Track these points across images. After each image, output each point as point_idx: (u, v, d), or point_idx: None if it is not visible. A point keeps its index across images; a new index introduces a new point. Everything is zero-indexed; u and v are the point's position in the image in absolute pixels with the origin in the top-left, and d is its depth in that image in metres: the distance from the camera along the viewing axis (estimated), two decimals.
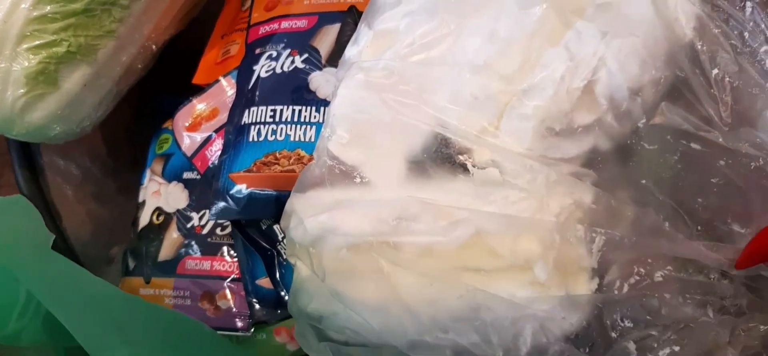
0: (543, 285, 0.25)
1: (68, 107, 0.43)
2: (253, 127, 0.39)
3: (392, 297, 0.26)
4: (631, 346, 0.25)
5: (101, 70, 0.44)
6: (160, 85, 0.54)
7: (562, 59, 0.27)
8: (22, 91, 0.41)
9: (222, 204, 0.39)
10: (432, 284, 0.25)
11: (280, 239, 0.40)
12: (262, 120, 0.39)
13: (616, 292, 0.25)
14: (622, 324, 0.25)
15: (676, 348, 0.24)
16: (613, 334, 0.25)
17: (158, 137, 0.50)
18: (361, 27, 0.33)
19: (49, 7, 0.41)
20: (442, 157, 0.28)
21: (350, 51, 0.32)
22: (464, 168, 0.27)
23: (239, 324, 0.42)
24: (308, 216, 0.28)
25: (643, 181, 0.26)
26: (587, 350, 0.25)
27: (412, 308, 0.26)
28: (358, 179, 0.28)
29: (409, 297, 0.26)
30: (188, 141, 0.45)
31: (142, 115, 0.56)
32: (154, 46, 0.48)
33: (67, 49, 0.42)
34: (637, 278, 0.25)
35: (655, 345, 0.25)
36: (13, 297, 0.32)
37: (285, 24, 0.44)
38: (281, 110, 0.39)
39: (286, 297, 0.40)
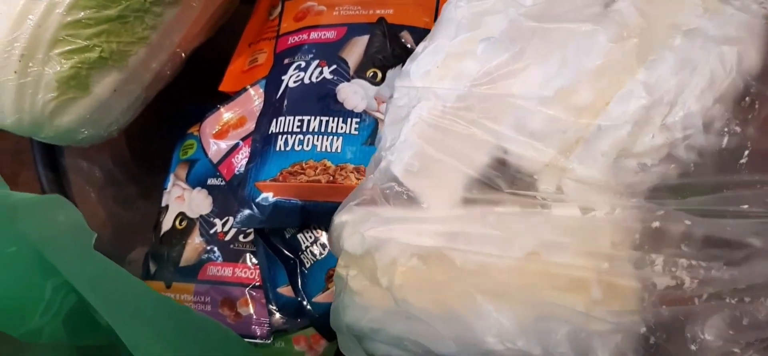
0: (611, 298, 0.25)
1: (98, 112, 0.44)
2: (280, 136, 0.40)
3: (463, 305, 0.26)
4: None
5: (132, 76, 0.44)
6: (184, 91, 0.54)
7: (640, 94, 0.27)
8: (53, 95, 0.42)
9: (247, 212, 0.39)
10: (500, 293, 0.25)
11: (303, 249, 0.40)
12: (290, 130, 0.40)
13: (697, 304, 0.25)
14: (702, 337, 0.24)
15: None
16: (693, 347, 0.24)
17: (183, 143, 0.51)
18: (429, 44, 0.33)
19: (83, 13, 0.41)
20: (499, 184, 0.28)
21: (414, 68, 0.32)
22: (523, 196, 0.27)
23: (259, 331, 0.42)
24: (366, 228, 0.28)
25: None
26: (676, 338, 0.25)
27: (483, 316, 0.25)
28: (417, 204, 0.28)
29: (477, 306, 0.26)
30: (215, 148, 0.45)
31: (165, 120, 0.56)
32: (183, 54, 0.49)
33: (99, 55, 0.42)
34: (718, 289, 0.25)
35: None
36: (38, 295, 0.32)
37: (314, 35, 0.44)
38: (309, 120, 0.40)
39: (307, 306, 0.40)
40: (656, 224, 0.25)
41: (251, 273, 0.43)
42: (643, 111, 0.26)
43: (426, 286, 0.27)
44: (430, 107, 0.30)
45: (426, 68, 0.31)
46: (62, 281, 0.32)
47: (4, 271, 0.31)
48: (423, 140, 0.29)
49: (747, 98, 0.27)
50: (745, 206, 0.25)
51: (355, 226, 0.28)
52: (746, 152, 0.26)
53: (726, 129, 0.26)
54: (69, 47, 0.41)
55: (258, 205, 0.39)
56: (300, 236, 0.40)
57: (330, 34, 0.43)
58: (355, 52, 0.42)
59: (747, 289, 0.25)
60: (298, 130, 0.40)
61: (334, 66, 0.42)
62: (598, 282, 0.25)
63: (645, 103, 0.26)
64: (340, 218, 0.29)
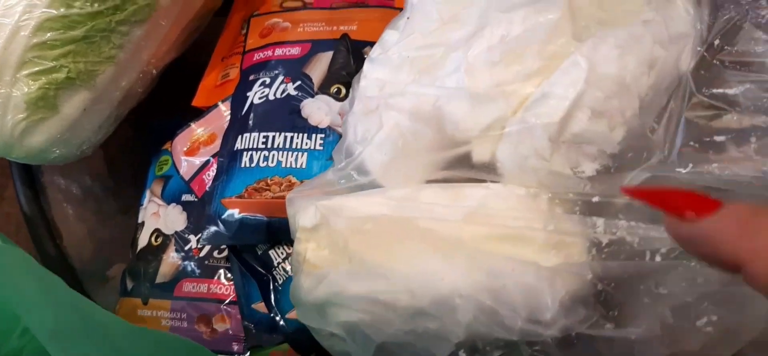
0: (556, 253, 0.25)
1: (68, 132, 0.44)
2: (245, 153, 0.40)
3: (417, 262, 0.26)
4: (667, 313, 0.25)
5: (101, 95, 0.45)
6: (162, 106, 0.55)
7: (579, 72, 0.27)
8: (21, 116, 0.42)
9: (214, 229, 0.39)
10: (452, 250, 0.26)
11: (276, 265, 0.41)
12: (255, 146, 0.40)
13: (648, 260, 0.26)
14: (657, 291, 0.25)
15: (714, 318, 0.25)
16: (646, 300, 0.25)
17: (158, 159, 0.51)
18: (399, 34, 0.34)
19: (48, 35, 0.42)
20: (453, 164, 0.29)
21: (384, 58, 0.33)
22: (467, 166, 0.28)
23: (235, 347, 0.43)
24: (320, 202, 0.29)
25: None
26: (616, 313, 0.25)
27: (436, 271, 0.26)
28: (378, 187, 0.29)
29: (430, 261, 0.26)
30: (186, 165, 0.46)
31: (143, 135, 0.57)
32: (154, 71, 0.49)
33: (66, 75, 0.43)
34: (669, 248, 0.26)
35: (693, 314, 0.25)
36: (14, 320, 0.33)
37: (279, 51, 0.44)
38: (273, 137, 0.40)
39: (281, 322, 0.40)
40: (596, 199, 0.26)
41: (227, 290, 0.43)
42: (582, 86, 0.27)
43: (380, 246, 0.27)
44: (400, 98, 0.31)
45: (400, 57, 0.32)
46: None
47: None
48: (398, 134, 0.30)
49: (681, 87, 0.27)
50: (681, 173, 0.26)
51: (309, 201, 0.29)
52: (678, 130, 0.27)
53: (662, 114, 0.27)
54: (36, 68, 0.42)
55: (224, 222, 0.39)
56: (272, 252, 0.41)
57: (294, 51, 0.44)
58: (319, 68, 0.43)
59: None
60: (263, 146, 0.40)
61: (299, 82, 0.42)
62: (546, 239, 0.26)
63: (585, 78, 0.27)
64: (293, 195, 0.30)
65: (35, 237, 0.52)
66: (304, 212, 0.30)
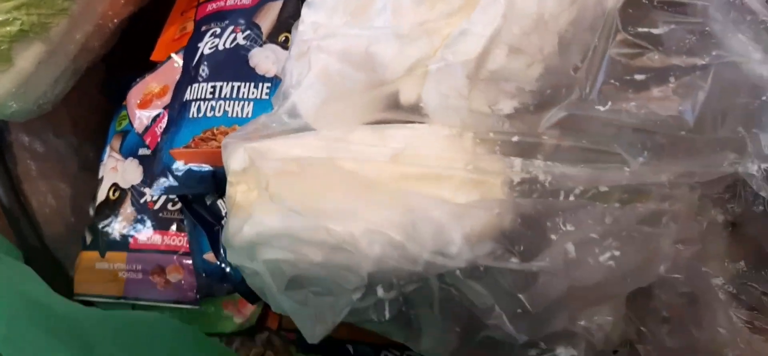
0: (472, 191, 0.26)
1: (23, 85, 0.44)
2: (194, 103, 0.40)
3: (334, 200, 0.27)
4: (570, 247, 0.26)
5: (56, 48, 0.45)
6: (126, 62, 0.55)
7: (497, 8, 0.27)
8: None
9: (163, 180, 0.40)
10: (370, 189, 0.27)
11: (224, 215, 0.41)
12: (203, 96, 0.40)
13: (561, 199, 0.26)
14: (564, 228, 0.26)
15: (617, 253, 0.26)
16: (553, 236, 0.26)
17: (118, 115, 0.51)
18: None
19: None
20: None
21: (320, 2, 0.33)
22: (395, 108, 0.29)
23: (189, 296, 0.43)
24: (249, 144, 0.29)
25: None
26: (521, 248, 0.26)
27: (348, 210, 0.27)
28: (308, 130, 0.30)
29: (345, 202, 0.27)
30: (139, 118, 0.46)
31: (105, 92, 0.57)
32: (110, 24, 0.49)
33: (19, 28, 0.42)
34: (583, 189, 0.26)
35: (596, 250, 0.26)
36: None
37: (231, 1, 0.44)
38: (221, 87, 0.40)
39: (230, 271, 0.41)
40: (516, 139, 0.26)
41: (180, 241, 0.44)
42: (500, 22, 0.26)
43: (302, 186, 0.28)
44: (331, 39, 0.31)
45: (332, 1, 0.32)
46: None
47: None
48: (327, 76, 0.30)
49: (606, 26, 0.27)
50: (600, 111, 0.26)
51: (241, 144, 0.29)
52: (601, 68, 0.27)
53: (586, 52, 0.27)
54: None
55: (172, 172, 0.39)
56: (220, 202, 0.41)
57: (246, 1, 0.43)
58: (268, 17, 0.42)
59: (610, 191, 0.26)
60: (211, 96, 0.40)
61: (248, 31, 0.42)
62: (464, 178, 0.26)
63: (503, 14, 0.26)
64: (228, 139, 0.30)
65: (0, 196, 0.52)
66: (234, 156, 0.30)
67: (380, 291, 0.28)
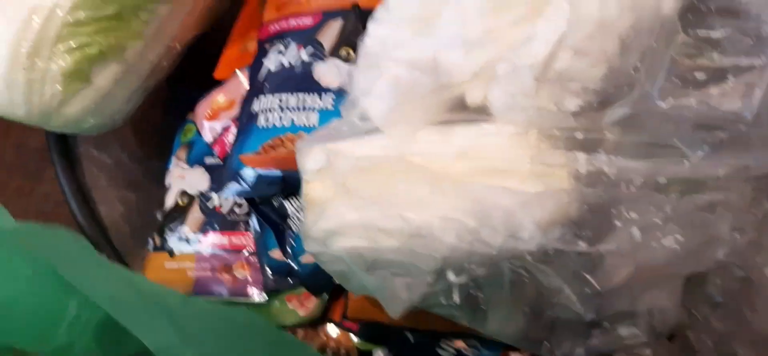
0: (538, 182, 0.28)
1: (101, 102, 0.48)
2: (261, 114, 0.43)
3: (408, 191, 0.29)
4: (636, 231, 0.28)
5: (130, 68, 0.48)
6: (185, 80, 0.58)
7: (562, 14, 0.29)
8: (58, 87, 0.46)
9: (234, 184, 0.43)
10: (438, 181, 0.29)
11: (290, 215, 0.44)
12: (270, 108, 0.43)
13: (624, 190, 0.28)
14: (628, 215, 0.28)
15: (679, 237, 0.28)
16: (618, 222, 0.28)
17: (183, 127, 0.55)
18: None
19: (83, 13, 0.45)
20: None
21: (387, 16, 0.35)
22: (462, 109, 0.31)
23: (255, 292, 0.46)
24: (326, 145, 0.32)
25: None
26: (589, 233, 0.28)
27: (421, 200, 0.29)
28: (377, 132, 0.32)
29: (418, 193, 0.29)
30: (208, 129, 0.49)
31: (168, 108, 0.61)
32: (178, 46, 0.53)
33: (98, 50, 0.46)
34: (643, 181, 0.28)
35: (659, 234, 0.28)
36: (61, 312, 0.32)
37: (293, 22, 0.47)
38: (287, 98, 0.43)
39: (295, 267, 0.43)
40: (580, 135, 0.28)
41: (246, 240, 0.47)
42: (565, 27, 0.29)
43: (376, 181, 0.30)
44: (400, 50, 0.33)
45: (402, 15, 0.35)
46: (86, 297, 0.32)
47: (24, 294, 0.32)
48: (397, 82, 0.33)
49: (665, 29, 0.29)
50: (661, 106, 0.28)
51: (316, 146, 0.32)
52: (661, 67, 0.29)
53: (643, 53, 0.29)
54: (71, 44, 0.45)
55: (242, 177, 0.42)
56: (287, 203, 0.44)
57: (307, 21, 0.47)
58: (329, 34, 0.45)
59: (669, 183, 0.28)
60: (278, 107, 0.43)
61: (311, 48, 0.45)
62: (530, 171, 0.28)
63: (567, 19, 0.29)
64: (302, 143, 0.33)
65: (72, 203, 0.56)
66: (310, 156, 0.32)
67: (451, 276, 0.30)
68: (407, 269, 0.29)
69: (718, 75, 0.29)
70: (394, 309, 0.29)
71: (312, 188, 0.32)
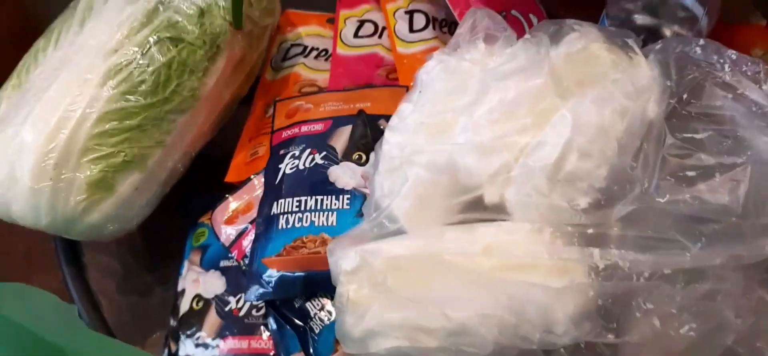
0: (560, 277, 0.30)
1: (121, 208, 0.50)
2: (281, 216, 0.46)
3: (445, 290, 0.31)
4: (656, 322, 0.30)
5: (151, 175, 0.51)
6: (191, 185, 0.60)
7: (566, 123, 0.33)
8: (83, 196, 0.47)
9: (256, 287, 0.44)
10: (471, 278, 0.31)
11: (312, 316, 0.45)
12: (289, 210, 0.46)
13: (635, 281, 0.31)
14: (645, 307, 0.30)
15: (694, 325, 0.30)
16: (638, 314, 0.30)
17: (195, 231, 0.56)
18: (412, 104, 0.41)
19: (108, 125, 0.48)
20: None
21: (404, 125, 0.39)
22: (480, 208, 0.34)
23: None
24: (359, 248, 0.34)
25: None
26: (615, 325, 0.30)
27: (460, 297, 0.31)
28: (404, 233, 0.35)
29: (455, 290, 0.31)
30: (226, 233, 0.51)
31: (175, 213, 0.62)
32: (193, 152, 0.55)
33: (123, 159, 0.48)
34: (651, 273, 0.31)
35: (676, 324, 0.30)
36: None
37: (304, 128, 0.51)
38: (305, 201, 0.46)
39: None
40: (590, 231, 0.31)
41: (266, 344, 0.47)
42: (570, 133, 0.32)
43: (413, 279, 0.32)
44: (420, 155, 0.37)
45: (416, 123, 0.38)
46: None
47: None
48: (421, 184, 0.36)
49: (654, 131, 0.33)
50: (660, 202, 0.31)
51: (349, 248, 0.34)
52: (656, 167, 0.32)
53: (638, 154, 0.32)
54: (97, 154, 0.48)
55: (265, 280, 0.44)
56: (308, 304, 0.45)
57: (318, 127, 0.50)
58: (341, 139, 0.49)
59: (673, 274, 0.31)
60: (297, 209, 0.45)
61: (324, 153, 0.48)
62: (551, 266, 0.31)
63: (571, 126, 0.33)
64: (332, 245, 0.35)
65: (80, 307, 0.56)
66: (346, 258, 0.35)
67: None
68: None
69: (706, 172, 0.33)
70: None
71: (349, 289, 0.34)
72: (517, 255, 0.32)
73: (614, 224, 0.32)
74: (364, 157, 0.48)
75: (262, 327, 0.47)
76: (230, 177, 0.56)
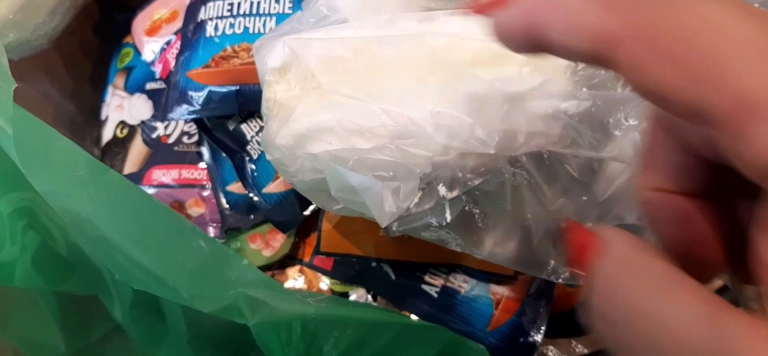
0: (535, 76, 0.25)
1: (20, 12, 0.41)
2: (210, 22, 0.38)
3: (387, 83, 0.25)
4: (638, 137, 0.25)
5: None
6: (118, 2, 0.51)
7: None
8: None
9: (183, 106, 0.37)
10: (427, 71, 0.25)
11: (249, 139, 0.39)
12: (220, 14, 0.37)
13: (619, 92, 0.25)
14: (627, 123, 0.25)
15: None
16: (618, 132, 0.25)
17: (120, 52, 0.48)
18: None
19: None
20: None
21: None
22: None
23: (211, 231, 0.41)
24: (288, 39, 0.27)
25: None
26: (588, 139, 0.25)
27: (409, 95, 0.25)
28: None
29: (404, 87, 0.25)
30: (148, 46, 0.43)
31: (100, 34, 0.53)
32: None
33: None
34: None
35: None
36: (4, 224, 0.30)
37: None
38: (239, 3, 0.37)
39: (258, 199, 0.39)
40: None
41: (199, 174, 0.42)
42: None
43: (354, 75, 0.26)
44: None
45: None
46: (21, 206, 0.30)
47: None
48: None
49: None
50: None
51: (277, 39, 0.27)
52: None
53: None
54: None
55: (191, 95, 0.37)
56: (244, 126, 0.39)
57: None
58: None
59: None
60: (229, 13, 0.37)
61: None
62: (522, 61, 0.25)
63: None
64: (260, 41, 0.28)
65: None
66: (272, 52, 0.27)
67: (442, 190, 0.26)
68: (394, 171, 0.25)
69: None
70: (382, 218, 0.25)
71: (275, 90, 0.27)
72: (488, 45, 0.25)
73: None
74: None
75: (193, 156, 0.41)
76: None
